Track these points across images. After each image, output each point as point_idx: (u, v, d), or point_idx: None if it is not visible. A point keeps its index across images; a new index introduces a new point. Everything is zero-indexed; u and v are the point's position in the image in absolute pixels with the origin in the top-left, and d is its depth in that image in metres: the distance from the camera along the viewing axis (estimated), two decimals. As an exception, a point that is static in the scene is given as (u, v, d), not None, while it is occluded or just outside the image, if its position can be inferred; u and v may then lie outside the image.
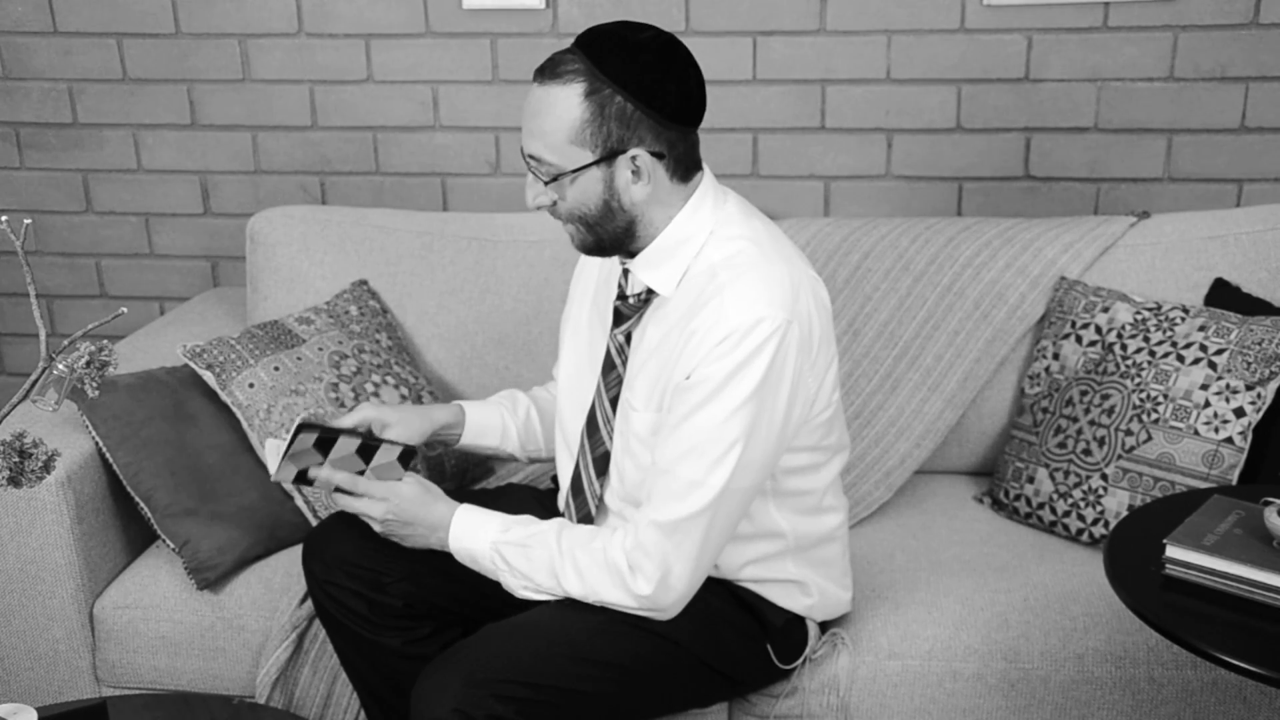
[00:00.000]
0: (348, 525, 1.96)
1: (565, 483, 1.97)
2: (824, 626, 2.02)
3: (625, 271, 1.87)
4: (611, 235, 1.79)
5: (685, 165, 1.78)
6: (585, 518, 1.92)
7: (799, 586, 1.92)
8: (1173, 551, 1.70)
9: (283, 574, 2.21)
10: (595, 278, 1.97)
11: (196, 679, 2.23)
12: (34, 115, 2.97)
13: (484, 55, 2.76)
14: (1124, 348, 2.26)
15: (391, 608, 1.92)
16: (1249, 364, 2.16)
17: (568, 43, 2.72)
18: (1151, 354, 2.23)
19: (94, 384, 1.50)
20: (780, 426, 1.75)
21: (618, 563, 1.77)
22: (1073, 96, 2.63)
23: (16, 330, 3.17)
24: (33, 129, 2.98)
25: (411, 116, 2.84)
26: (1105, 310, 2.32)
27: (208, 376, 2.30)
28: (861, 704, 1.99)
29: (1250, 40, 2.55)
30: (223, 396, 2.29)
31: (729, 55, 2.69)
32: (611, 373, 1.88)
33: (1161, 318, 2.27)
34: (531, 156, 1.75)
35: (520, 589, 1.84)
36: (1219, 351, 2.18)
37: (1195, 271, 2.39)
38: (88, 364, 1.49)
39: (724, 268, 1.76)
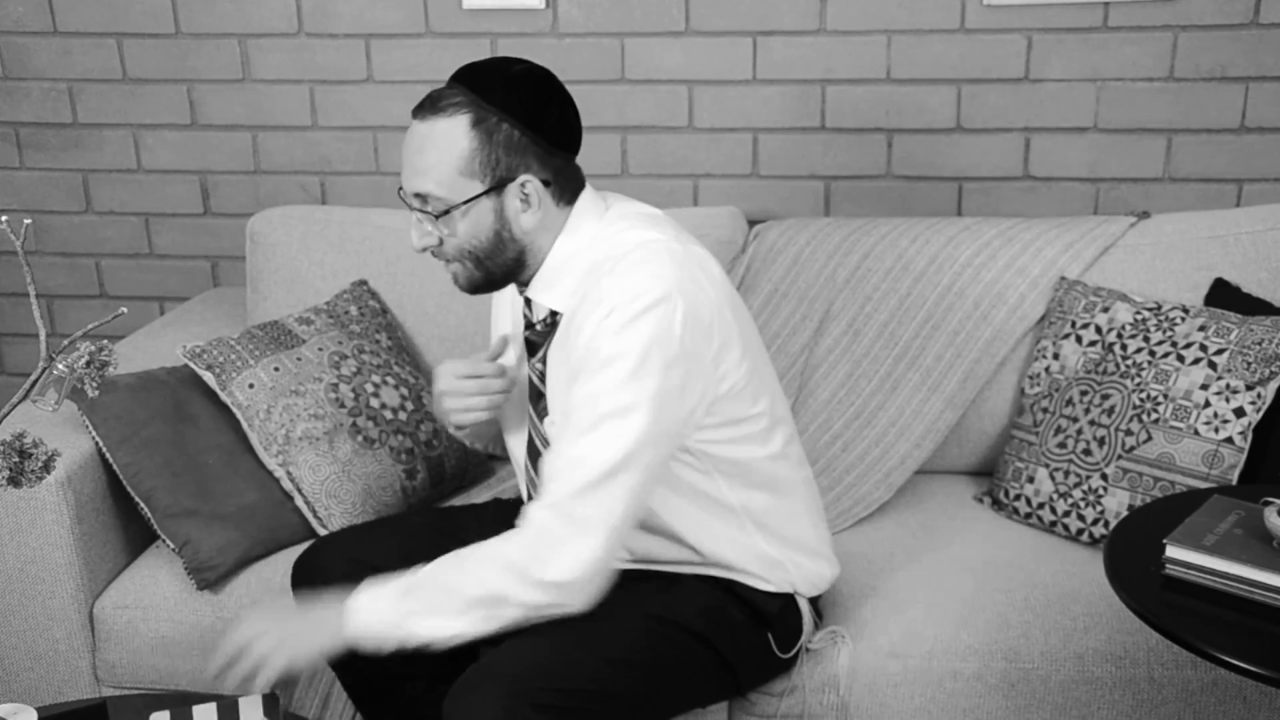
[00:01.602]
0: (336, 546, 1.96)
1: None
2: (819, 612, 2.02)
3: (527, 301, 1.87)
4: (502, 268, 1.80)
5: (571, 189, 1.80)
6: None
7: (778, 565, 1.91)
8: (1173, 551, 1.70)
9: (283, 574, 2.20)
10: (509, 313, 1.96)
11: (196, 679, 2.22)
12: (34, 115, 2.97)
13: (484, 55, 2.76)
14: (1124, 348, 2.26)
15: None
16: (1249, 364, 2.16)
17: (568, 43, 2.74)
18: (1151, 354, 2.23)
19: (94, 384, 1.49)
20: (676, 399, 1.72)
21: (516, 560, 1.70)
22: (1073, 96, 2.63)
23: (16, 330, 3.17)
24: (33, 129, 2.98)
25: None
26: (1105, 310, 2.32)
27: (208, 377, 2.30)
28: (862, 703, 1.99)
29: (1250, 40, 2.55)
30: (223, 397, 2.29)
31: (729, 55, 2.69)
32: (540, 401, 1.88)
33: (1161, 318, 2.27)
34: (417, 194, 1.75)
35: (449, 628, 1.72)
36: (1219, 351, 2.18)
37: (1195, 271, 2.39)
38: (88, 364, 1.49)
39: (603, 262, 1.76)
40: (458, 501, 2.41)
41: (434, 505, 2.38)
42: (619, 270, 1.73)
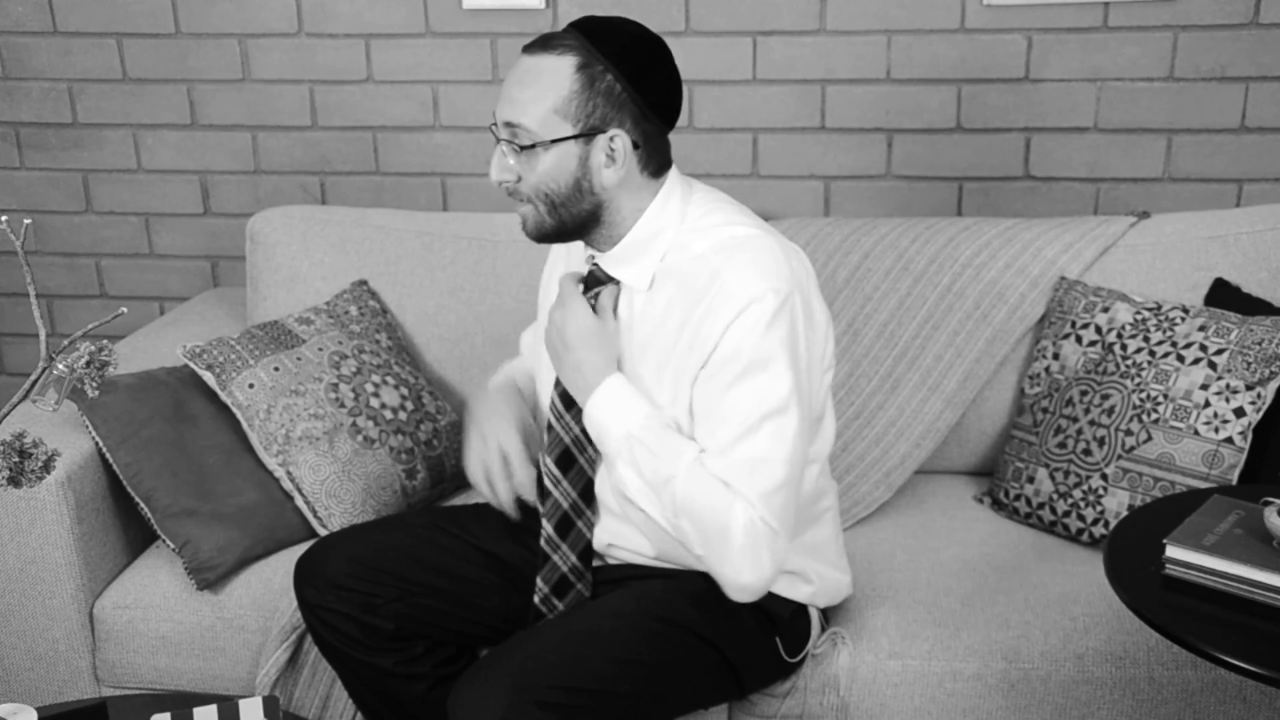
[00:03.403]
0: (338, 547, 1.95)
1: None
2: (826, 616, 2.02)
3: (592, 268, 1.88)
4: (574, 219, 1.79)
5: (658, 161, 1.80)
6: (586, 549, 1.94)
7: (798, 575, 1.91)
8: (1173, 551, 1.70)
9: (283, 574, 2.21)
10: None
11: (196, 679, 2.23)
12: (34, 115, 2.97)
13: (484, 55, 2.76)
14: (1124, 348, 2.26)
15: (383, 630, 1.91)
16: (1249, 364, 2.16)
17: (568, 43, 2.73)
18: (1151, 354, 2.23)
19: (94, 384, 1.49)
20: (808, 390, 1.77)
21: (737, 540, 1.72)
22: (1073, 96, 2.63)
23: (16, 330, 3.17)
24: (33, 129, 2.98)
25: (411, 116, 2.84)
26: (1105, 310, 2.32)
27: (208, 377, 2.30)
28: (862, 703, 1.99)
29: (1250, 40, 2.55)
30: (223, 397, 2.29)
31: (729, 55, 2.69)
32: None
33: (1161, 318, 2.27)
34: (509, 123, 1.75)
35: (633, 487, 1.79)
36: (1219, 351, 2.18)
37: (1195, 271, 2.39)
38: (88, 364, 1.49)
39: (713, 254, 1.77)
40: (457, 501, 2.41)
41: (435, 505, 2.38)
42: (737, 265, 1.74)
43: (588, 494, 1.93)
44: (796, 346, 1.74)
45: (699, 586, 1.86)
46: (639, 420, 1.78)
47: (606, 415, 1.80)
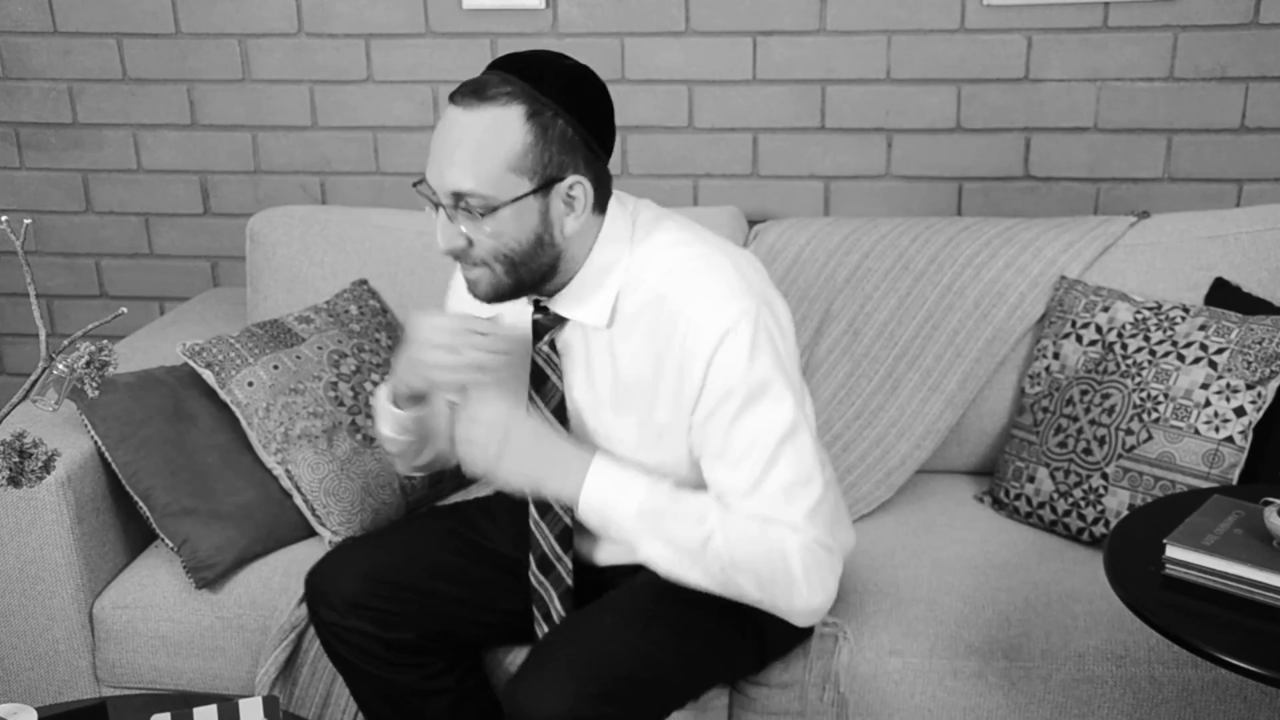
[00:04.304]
0: (351, 563, 1.92)
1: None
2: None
3: (538, 318, 1.78)
4: (533, 274, 1.68)
5: (604, 197, 1.70)
6: (563, 532, 1.90)
7: None
8: (1173, 551, 1.70)
9: (282, 573, 2.21)
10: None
11: (196, 679, 2.23)
12: (34, 115, 2.97)
13: (484, 55, 2.76)
14: (1124, 347, 2.26)
15: (405, 642, 1.88)
16: (1249, 363, 2.16)
17: (568, 43, 2.74)
18: (1152, 353, 2.23)
19: (94, 384, 1.49)
20: (801, 392, 1.75)
21: (795, 573, 1.69)
22: (1073, 96, 2.63)
23: (16, 330, 3.17)
24: (33, 129, 2.98)
25: (411, 116, 2.84)
26: (1105, 310, 2.32)
27: (207, 375, 2.30)
28: (862, 701, 1.99)
29: (1250, 40, 2.55)
30: (222, 395, 2.29)
31: (729, 55, 2.69)
32: (546, 384, 1.80)
33: (1162, 317, 2.27)
34: (455, 193, 1.60)
35: (664, 561, 1.70)
36: (1219, 351, 2.18)
37: (1195, 271, 2.39)
38: (88, 364, 1.49)
39: (668, 285, 1.69)
40: (457, 499, 2.41)
41: (435, 504, 2.38)
42: (698, 297, 1.67)
43: (565, 540, 1.87)
44: (782, 359, 1.70)
45: None
46: (643, 492, 1.69)
47: (606, 501, 1.69)
